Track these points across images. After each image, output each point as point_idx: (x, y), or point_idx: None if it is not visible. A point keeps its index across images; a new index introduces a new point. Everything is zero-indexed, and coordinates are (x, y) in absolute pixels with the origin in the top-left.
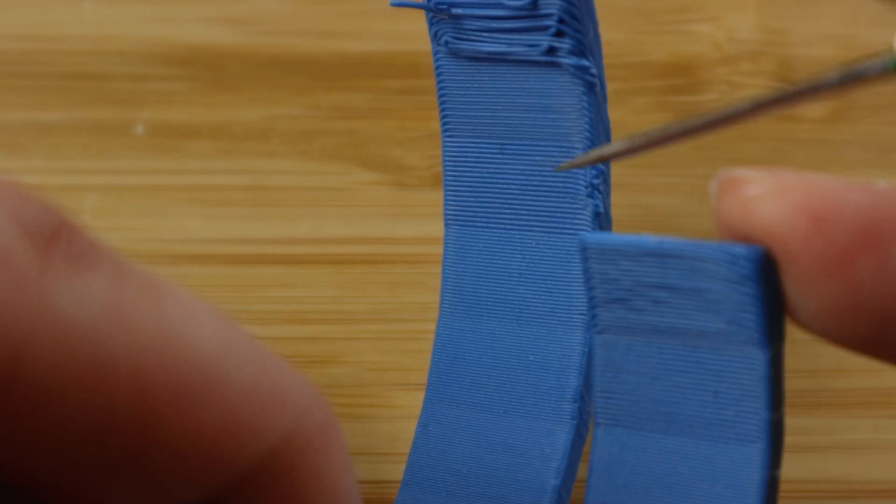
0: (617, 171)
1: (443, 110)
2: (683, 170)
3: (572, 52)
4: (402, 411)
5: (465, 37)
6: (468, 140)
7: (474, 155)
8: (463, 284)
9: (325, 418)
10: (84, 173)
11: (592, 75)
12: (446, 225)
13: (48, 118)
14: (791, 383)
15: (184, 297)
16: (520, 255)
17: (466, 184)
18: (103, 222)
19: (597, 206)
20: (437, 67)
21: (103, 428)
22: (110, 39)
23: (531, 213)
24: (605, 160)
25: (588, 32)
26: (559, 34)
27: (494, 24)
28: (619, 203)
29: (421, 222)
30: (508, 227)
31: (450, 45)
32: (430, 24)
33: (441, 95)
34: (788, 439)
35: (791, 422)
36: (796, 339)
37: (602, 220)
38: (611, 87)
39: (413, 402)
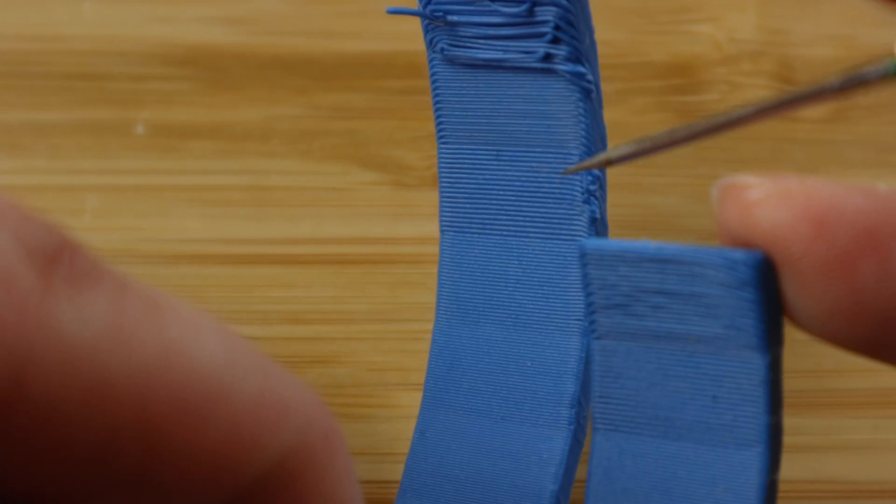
0: (617, 171)
1: (438, 117)
2: (683, 170)
3: (568, 59)
4: (402, 411)
5: (461, 44)
6: (464, 147)
7: (470, 162)
8: (459, 291)
9: (329, 428)
10: (84, 173)
11: (589, 81)
12: (442, 231)
13: (48, 118)
14: (791, 383)
15: (186, 312)
16: (516, 262)
17: (462, 190)
18: (103, 222)
19: (593, 211)
20: (432, 75)
21: (106, 445)
22: (110, 39)
23: (528, 219)
24: (612, 164)
25: (584, 39)
26: (555, 41)
27: (490, 31)
28: (620, 203)
29: (421, 222)
30: (505, 233)
31: (446, 53)
32: (426, 31)
33: (436, 102)
34: (788, 440)
35: (791, 422)
36: (796, 340)
37: (598, 226)
38: (611, 87)
39: (413, 402)
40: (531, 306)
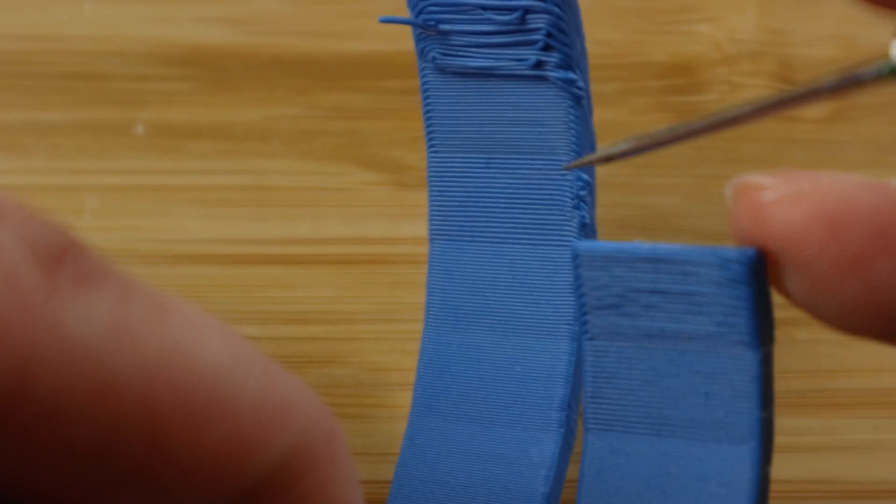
0: (617, 171)
1: (429, 126)
2: (683, 170)
3: (560, 66)
4: (402, 411)
5: (453, 52)
6: (454, 155)
7: (460, 170)
8: (449, 298)
9: (331, 430)
10: (84, 173)
11: (580, 88)
12: (431, 240)
13: (48, 118)
14: (791, 383)
15: (190, 313)
16: (506, 268)
17: (452, 199)
18: (103, 222)
19: (583, 217)
20: (423, 84)
21: (109, 445)
22: (111, 39)
23: (518, 225)
24: (612, 160)
25: (575, 45)
26: (547, 48)
27: (482, 40)
28: (620, 203)
29: (421, 222)
30: (495, 240)
31: (437, 62)
32: (417, 40)
33: (427, 111)
34: (788, 440)
35: (791, 422)
36: (796, 340)
37: (588, 231)
38: (611, 87)
39: None
40: (521, 312)
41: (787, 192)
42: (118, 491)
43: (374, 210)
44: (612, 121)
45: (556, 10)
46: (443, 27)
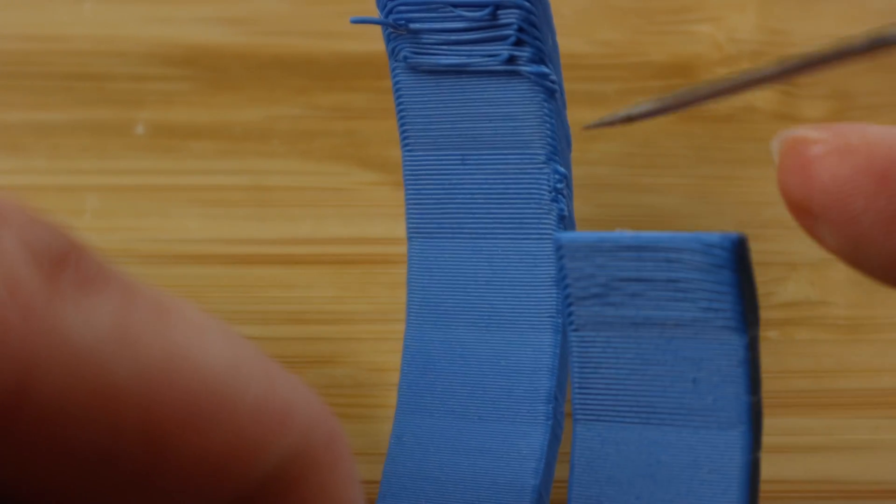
0: (617, 171)
1: (402, 126)
2: (683, 170)
3: (532, 60)
4: None
5: (424, 51)
6: (429, 153)
7: (436, 168)
8: (429, 296)
9: (332, 431)
10: (84, 173)
11: (553, 82)
12: (409, 239)
13: (48, 118)
14: (791, 383)
15: (192, 315)
16: (486, 263)
17: (429, 196)
18: (103, 222)
19: (561, 209)
20: (395, 84)
21: (111, 448)
22: (111, 39)
23: (496, 220)
24: (633, 120)
25: (547, 40)
26: (519, 43)
27: (453, 37)
28: (620, 203)
29: None
30: (474, 235)
31: (409, 61)
32: (388, 40)
33: (400, 111)
34: (788, 440)
35: (791, 422)
36: (796, 340)
37: (567, 223)
38: (611, 87)
39: None
40: (503, 306)
41: (835, 146)
42: (119, 493)
43: (374, 210)
44: None
45: (526, 4)
46: (413, 26)
